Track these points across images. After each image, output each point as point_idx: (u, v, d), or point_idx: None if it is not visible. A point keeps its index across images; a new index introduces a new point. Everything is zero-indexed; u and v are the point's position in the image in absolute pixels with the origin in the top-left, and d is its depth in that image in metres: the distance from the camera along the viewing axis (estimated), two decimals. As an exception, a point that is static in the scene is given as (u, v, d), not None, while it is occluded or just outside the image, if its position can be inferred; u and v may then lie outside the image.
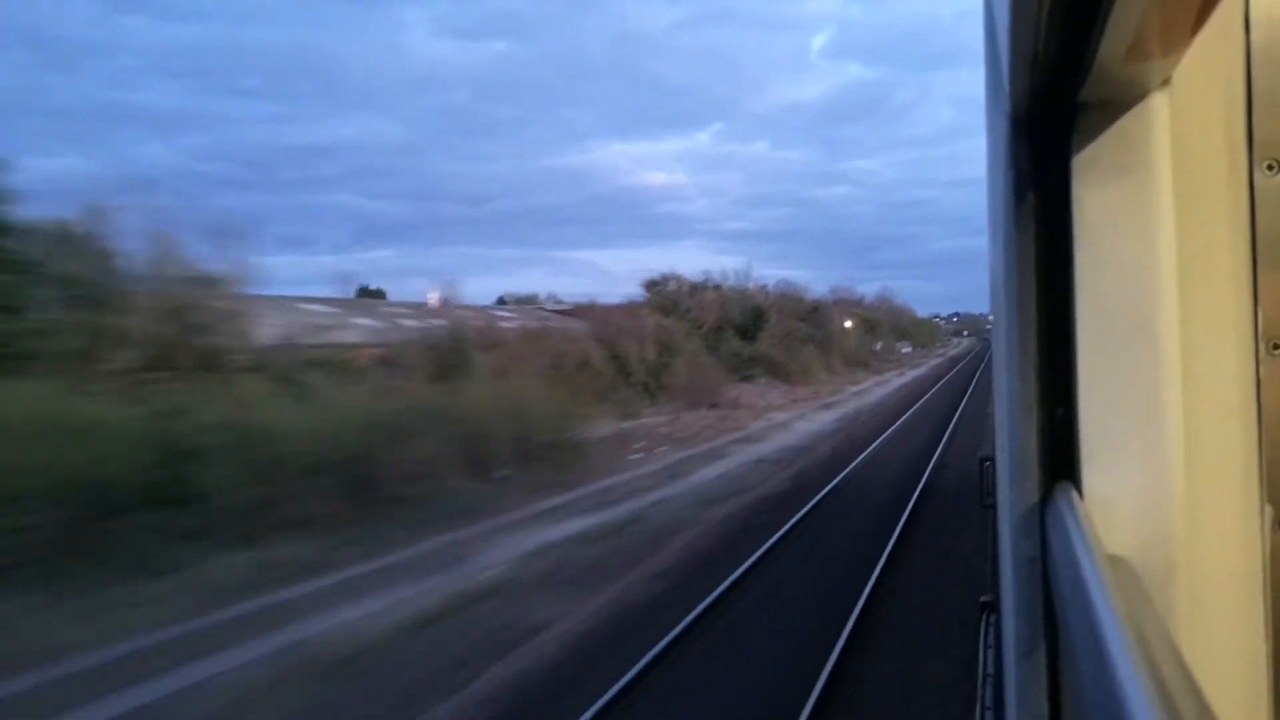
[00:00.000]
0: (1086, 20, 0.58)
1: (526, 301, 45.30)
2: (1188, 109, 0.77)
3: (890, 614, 8.12)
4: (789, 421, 25.29)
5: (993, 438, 1.29)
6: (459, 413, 16.40)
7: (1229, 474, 0.79)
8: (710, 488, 15.02)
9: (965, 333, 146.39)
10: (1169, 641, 0.52)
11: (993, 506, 1.77)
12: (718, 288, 44.01)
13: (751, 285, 48.03)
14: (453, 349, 22.10)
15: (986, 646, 2.88)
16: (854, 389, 37.92)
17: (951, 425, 22.58)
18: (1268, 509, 0.82)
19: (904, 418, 25.68)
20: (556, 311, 39.35)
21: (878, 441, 20.30)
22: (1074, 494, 0.75)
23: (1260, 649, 0.81)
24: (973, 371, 46.64)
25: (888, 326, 78.41)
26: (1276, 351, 0.85)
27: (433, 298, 34.62)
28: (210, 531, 10.88)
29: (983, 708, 2.65)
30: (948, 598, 8.26)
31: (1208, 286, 0.79)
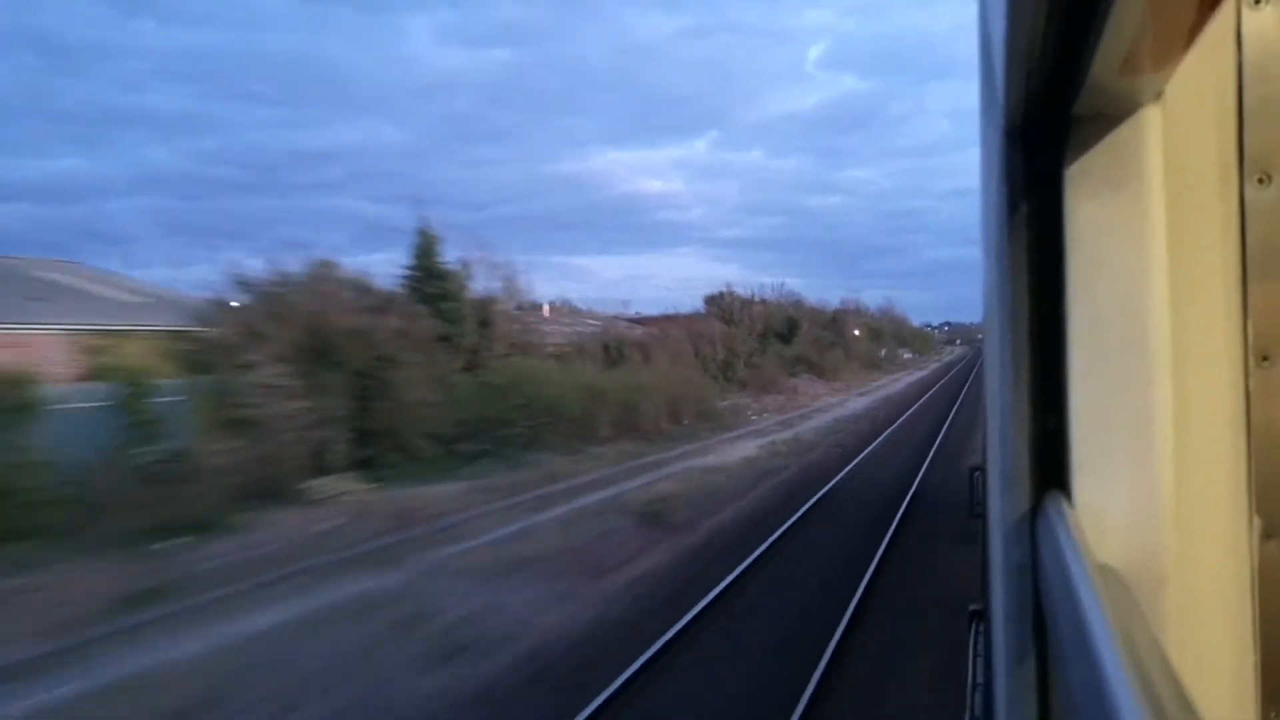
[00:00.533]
0: (1081, 34, 0.59)
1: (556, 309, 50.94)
2: (1180, 123, 0.77)
3: (948, 447, 18.51)
4: (841, 401, 35.65)
5: (983, 447, 1.29)
6: (648, 386, 26.58)
7: (1219, 485, 0.80)
8: (820, 430, 25.31)
9: (958, 341, 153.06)
10: (1158, 650, 0.53)
11: (982, 516, 1.85)
12: (763, 301, 54.33)
13: (784, 299, 58.46)
14: (615, 347, 32.30)
15: (975, 655, 2.94)
16: (875, 384, 48.28)
17: (957, 404, 33.04)
18: (1257, 520, 0.82)
19: (922, 399, 36.14)
20: (633, 320, 49.28)
21: (909, 411, 30.72)
22: (1064, 503, 0.75)
23: (1248, 658, 0.81)
24: (967, 374, 57.08)
25: (890, 335, 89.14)
26: (1266, 363, 0.84)
27: (546, 309, 45.04)
28: (579, 435, 21.09)
29: (972, 716, 2.68)
30: (974, 438, 18.58)
31: (1199, 299, 0.79)
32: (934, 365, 78.91)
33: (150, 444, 14.00)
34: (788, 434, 23.98)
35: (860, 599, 8.57)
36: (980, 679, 2.65)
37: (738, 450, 20.86)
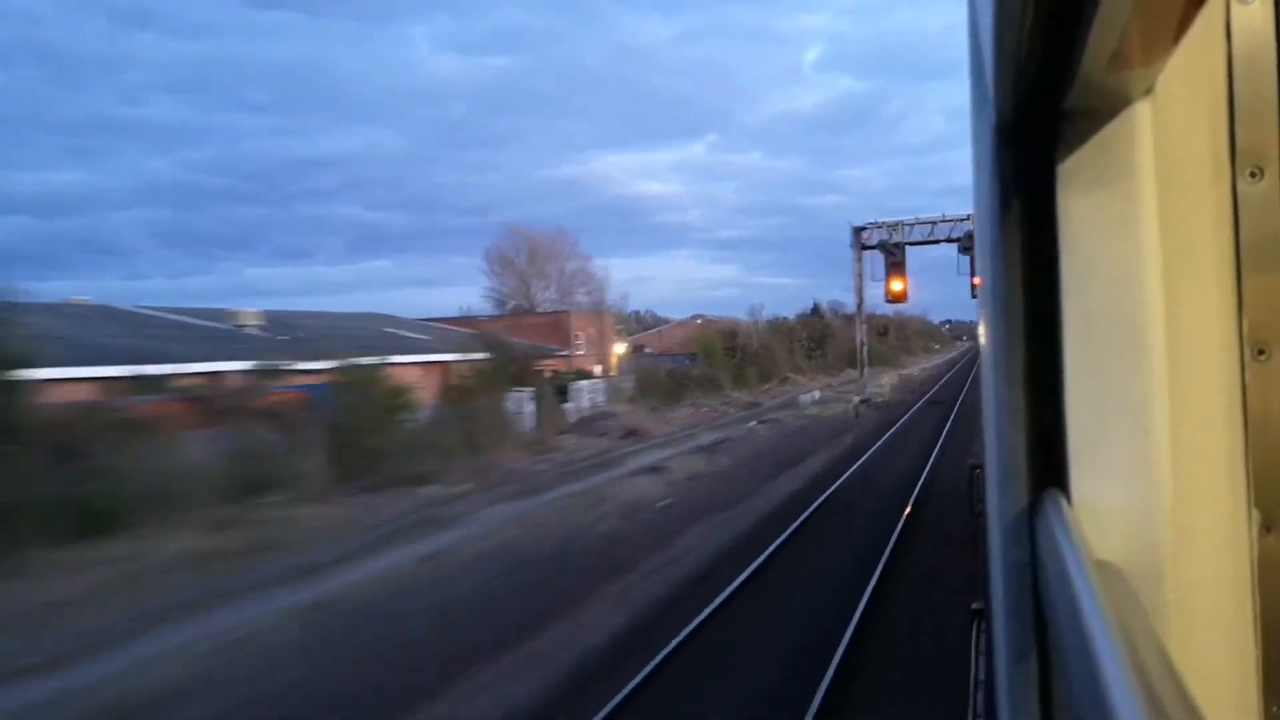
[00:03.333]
0: (1070, 30, 0.60)
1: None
2: (1171, 117, 0.79)
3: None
4: (929, 361, 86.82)
5: (981, 445, 1.35)
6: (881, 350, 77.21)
7: (1216, 479, 0.81)
8: (935, 365, 76.55)
9: (965, 337, 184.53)
10: (1158, 647, 0.54)
11: (983, 514, 1.73)
12: (873, 315, 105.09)
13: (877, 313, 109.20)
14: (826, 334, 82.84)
15: (978, 654, 2.98)
16: (936, 356, 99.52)
17: (979, 361, 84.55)
18: (1255, 513, 0.84)
19: (962, 360, 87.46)
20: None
21: (960, 364, 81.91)
22: (1063, 500, 0.77)
23: (1249, 653, 0.82)
24: (975, 356, 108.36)
25: (924, 333, 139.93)
26: (1262, 357, 0.85)
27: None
28: (875, 364, 72.12)
29: (974, 715, 2.70)
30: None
31: (1193, 292, 0.81)
32: (955, 352, 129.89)
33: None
34: (930, 363, 74.82)
35: (968, 387, 58.94)
36: (982, 677, 2.70)
37: (921, 365, 71.59)
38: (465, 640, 8.48)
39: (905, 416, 32.24)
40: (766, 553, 11.41)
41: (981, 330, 1.10)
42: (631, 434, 25.72)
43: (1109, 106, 0.75)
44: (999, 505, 0.85)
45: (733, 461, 20.80)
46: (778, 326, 61.54)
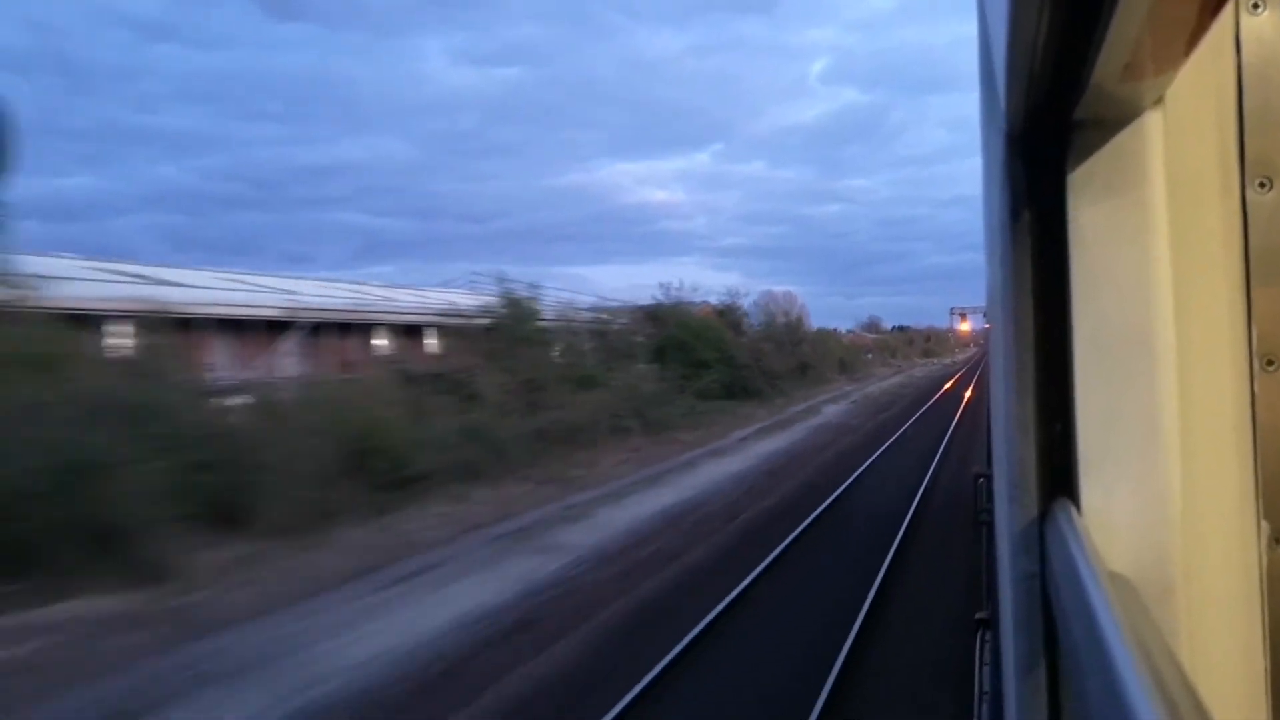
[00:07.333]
0: (1083, 40, 0.62)
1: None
2: (1181, 127, 0.81)
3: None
4: (959, 358, 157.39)
5: (988, 453, 1.72)
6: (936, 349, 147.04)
7: (1226, 490, 0.83)
8: (964, 359, 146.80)
9: (972, 345, 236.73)
10: (1172, 658, 0.55)
11: (988, 523, 1.80)
12: (913, 328, 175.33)
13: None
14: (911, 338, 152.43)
15: (983, 664, 2.97)
16: (960, 355, 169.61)
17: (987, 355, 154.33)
18: (1264, 525, 0.86)
19: (979, 354, 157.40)
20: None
21: (977, 357, 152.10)
22: (1073, 510, 0.79)
23: (1259, 665, 0.84)
24: (983, 356, 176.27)
25: (935, 338, 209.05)
26: (1271, 368, 0.87)
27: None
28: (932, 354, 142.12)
29: None
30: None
31: (1202, 303, 0.83)
32: (970, 353, 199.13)
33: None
34: (964, 356, 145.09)
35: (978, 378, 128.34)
36: (987, 688, 2.73)
37: (957, 356, 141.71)
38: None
39: (968, 365, 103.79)
40: (964, 369, 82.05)
41: (990, 340, 1.16)
42: (900, 369, 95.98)
43: (1120, 116, 0.78)
44: (1009, 515, 0.88)
45: (945, 364, 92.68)
46: (896, 335, 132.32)
